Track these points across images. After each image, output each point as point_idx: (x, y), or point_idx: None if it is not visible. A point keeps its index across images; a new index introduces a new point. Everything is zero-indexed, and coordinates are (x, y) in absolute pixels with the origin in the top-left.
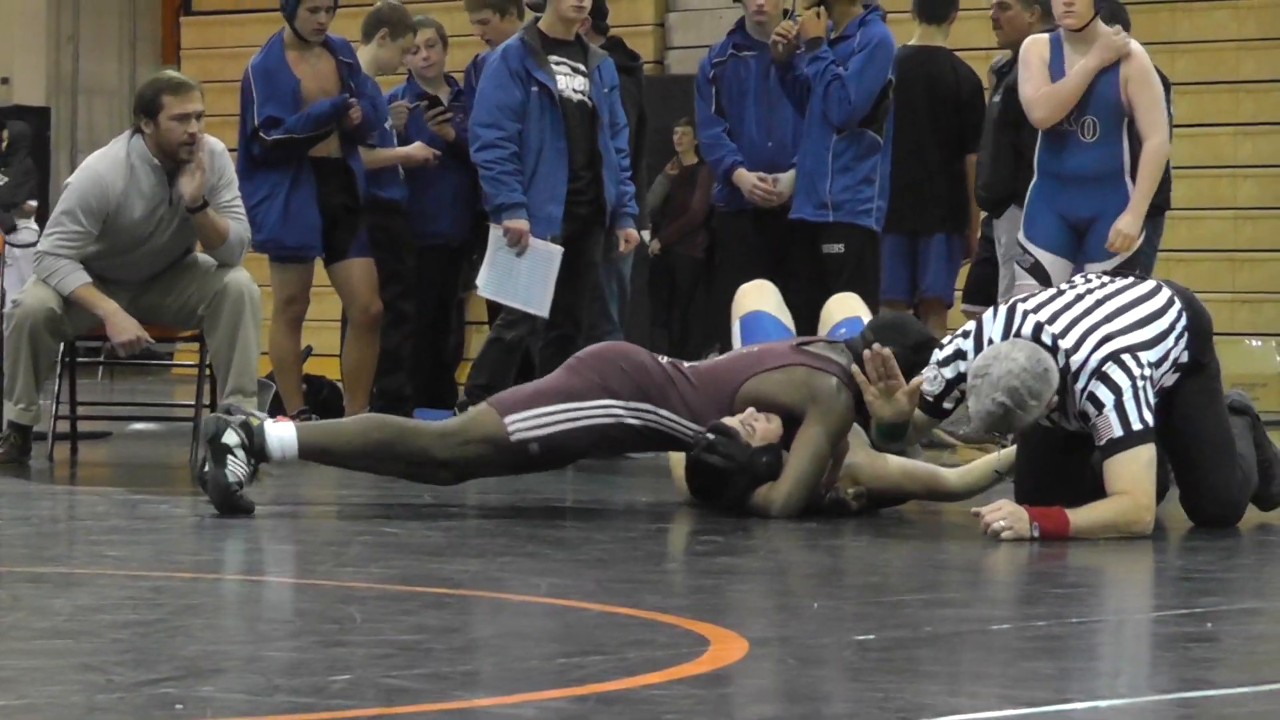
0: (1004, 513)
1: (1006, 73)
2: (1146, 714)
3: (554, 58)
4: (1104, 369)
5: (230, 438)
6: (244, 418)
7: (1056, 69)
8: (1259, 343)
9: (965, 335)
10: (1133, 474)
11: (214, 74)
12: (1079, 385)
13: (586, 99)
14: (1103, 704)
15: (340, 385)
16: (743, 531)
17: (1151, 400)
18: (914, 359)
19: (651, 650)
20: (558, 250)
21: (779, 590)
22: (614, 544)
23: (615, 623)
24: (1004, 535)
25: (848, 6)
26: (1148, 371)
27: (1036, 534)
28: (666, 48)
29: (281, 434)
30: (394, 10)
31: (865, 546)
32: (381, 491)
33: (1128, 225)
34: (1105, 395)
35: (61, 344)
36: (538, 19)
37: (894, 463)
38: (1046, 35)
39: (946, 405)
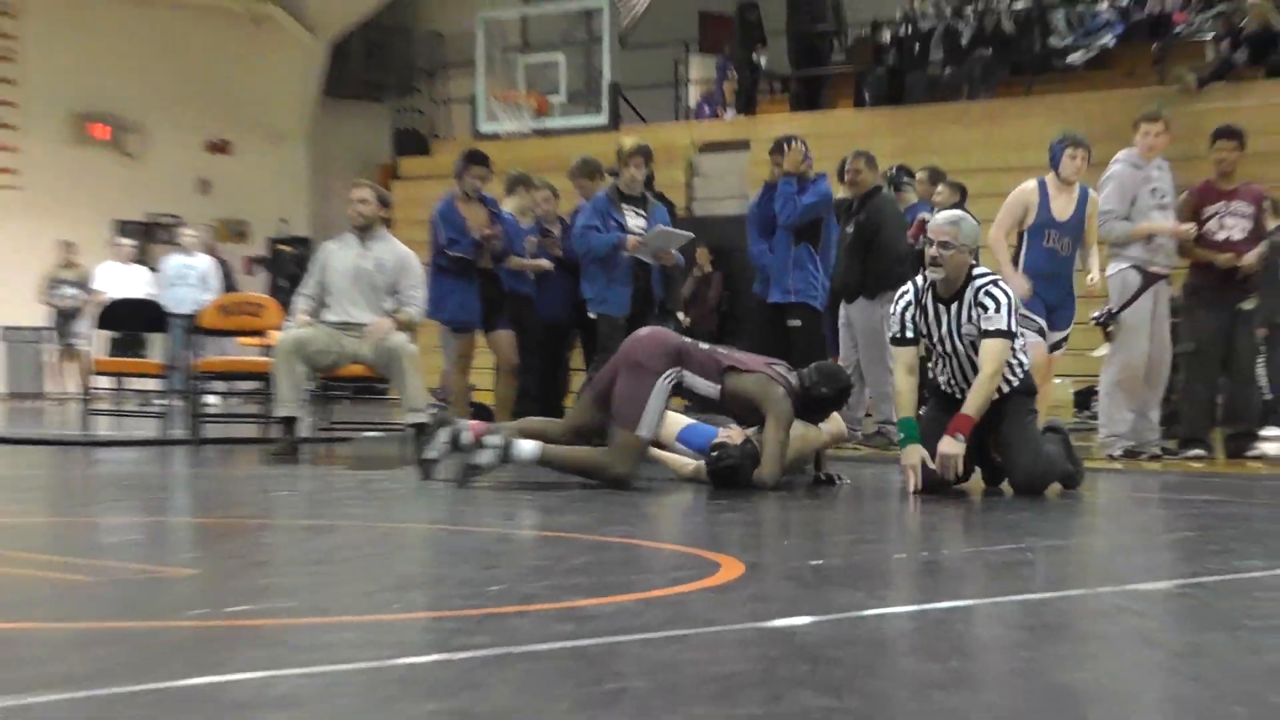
0: (942, 453)
1: (856, 212)
2: (991, 610)
3: (626, 206)
4: (979, 297)
5: (493, 439)
6: (506, 440)
7: (1044, 206)
8: (1059, 380)
9: (904, 292)
10: (998, 354)
11: (413, 216)
12: (969, 300)
13: (644, 233)
14: (962, 603)
15: (492, 409)
16: (742, 499)
17: (1016, 323)
18: (839, 399)
19: (683, 570)
20: (656, 214)
21: (765, 533)
22: (664, 508)
23: (662, 554)
24: (953, 457)
25: (808, 171)
26: (1012, 299)
27: (963, 440)
28: (691, 199)
29: (530, 448)
30: (524, 176)
31: (818, 506)
32: (538, 480)
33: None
34: (991, 303)
35: (308, 366)
36: (616, 181)
37: (822, 430)
38: (1035, 183)
39: (909, 335)
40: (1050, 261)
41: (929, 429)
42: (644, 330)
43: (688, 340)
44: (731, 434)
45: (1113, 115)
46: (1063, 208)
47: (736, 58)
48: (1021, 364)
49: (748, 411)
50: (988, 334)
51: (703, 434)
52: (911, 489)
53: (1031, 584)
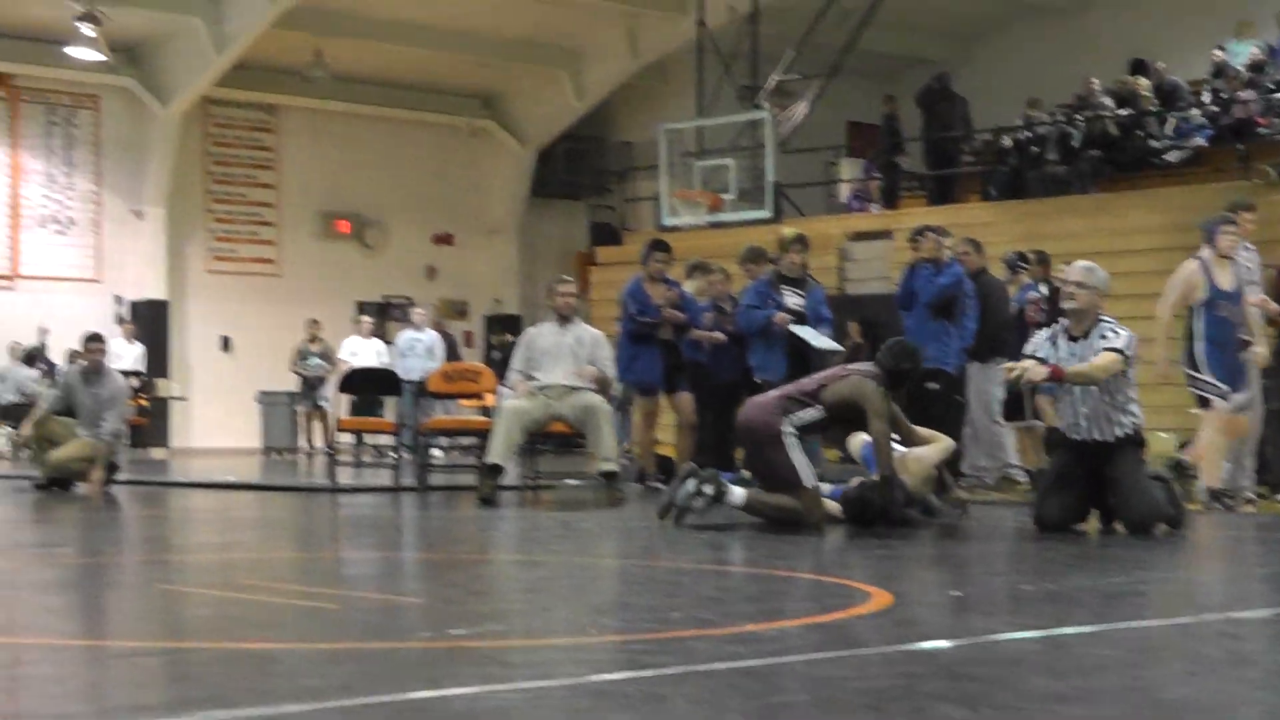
0: (1026, 367)
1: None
2: (1107, 634)
3: (786, 287)
4: (1104, 331)
5: (706, 488)
6: (718, 485)
7: (1209, 282)
8: (1166, 435)
9: (1044, 331)
10: (1109, 358)
11: (608, 296)
12: (1095, 336)
13: (802, 309)
14: (1082, 628)
15: (674, 460)
16: (887, 538)
17: (1131, 350)
18: (917, 368)
19: (838, 599)
20: (814, 293)
21: (909, 567)
22: (821, 546)
23: (820, 585)
24: (1036, 376)
25: (943, 255)
26: (1132, 337)
27: (1047, 372)
28: (843, 280)
29: (740, 493)
30: (701, 262)
31: (954, 543)
32: (714, 522)
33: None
34: (1113, 334)
35: (520, 428)
36: (778, 265)
37: (920, 453)
38: (1196, 262)
39: (1040, 355)
40: (1226, 329)
41: (1057, 480)
42: (748, 407)
43: (778, 393)
44: (852, 482)
45: (1203, 206)
46: (1225, 279)
47: (880, 160)
48: (1136, 415)
49: (852, 413)
50: (1106, 349)
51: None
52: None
53: (1142, 611)
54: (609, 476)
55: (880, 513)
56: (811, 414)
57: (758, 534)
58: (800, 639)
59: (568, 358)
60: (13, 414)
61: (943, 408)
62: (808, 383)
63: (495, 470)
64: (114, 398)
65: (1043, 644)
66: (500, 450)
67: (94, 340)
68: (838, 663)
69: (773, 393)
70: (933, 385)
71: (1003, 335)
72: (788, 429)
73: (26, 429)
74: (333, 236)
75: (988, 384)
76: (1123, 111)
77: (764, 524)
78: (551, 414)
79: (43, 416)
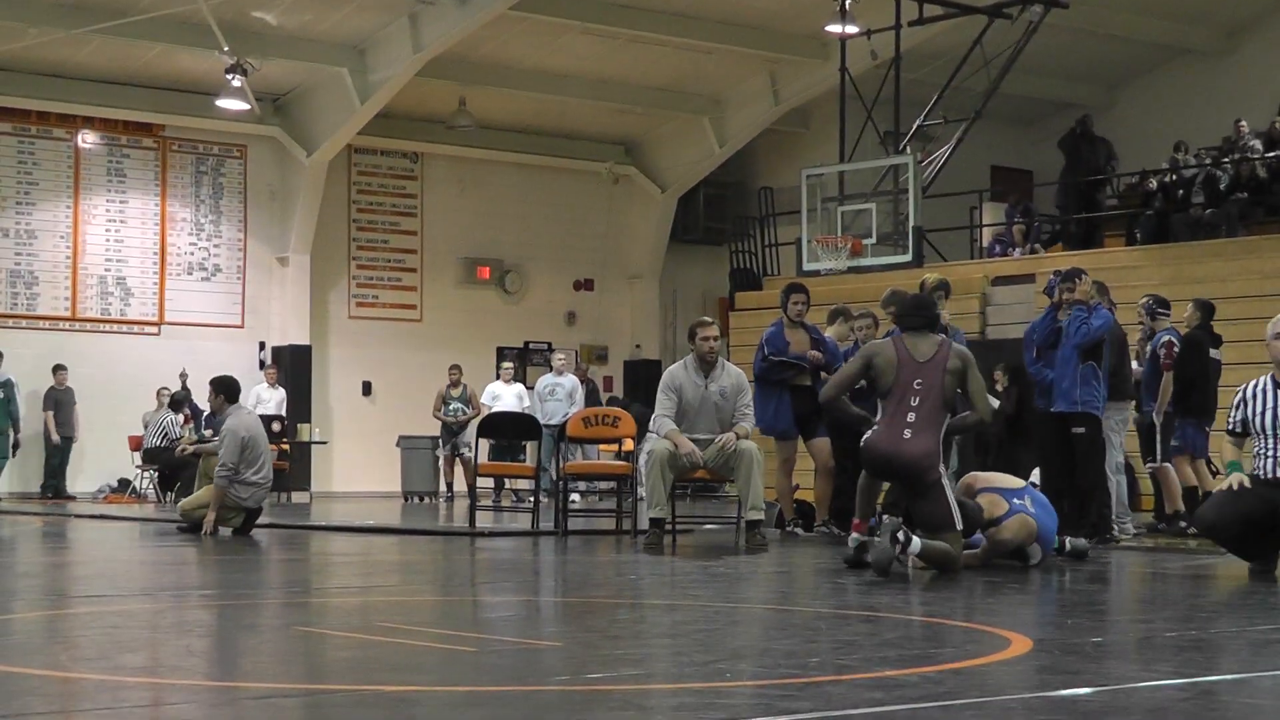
0: None
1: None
2: (1252, 683)
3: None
4: None
5: (900, 535)
6: (909, 536)
7: None
8: None
9: (1238, 394)
10: None
11: (746, 341)
12: None
13: None
14: (1226, 677)
15: (814, 505)
16: (1022, 585)
17: None
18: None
19: (978, 644)
20: (956, 336)
21: (1050, 612)
22: (961, 590)
23: (960, 631)
24: None
25: (1092, 300)
26: None
27: None
28: (985, 325)
29: (917, 542)
30: (844, 308)
31: (1090, 590)
32: (858, 568)
33: None
34: None
35: (673, 474)
36: None
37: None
38: None
39: (1237, 431)
40: None
41: (1236, 498)
42: (899, 446)
43: (914, 426)
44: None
45: None
46: None
47: (1062, 200)
48: None
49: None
50: None
51: None
52: (1235, 486)
53: None
54: (753, 525)
55: (974, 523)
56: (951, 416)
57: (896, 579)
58: (939, 685)
59: (711, 412)
60: (158, 457)
61: (1088, 451)
62: (922, 401)
63: (659, 523)
64: (221, 437)
65: (1186, 691)
66: (659, 499)
67: (211, 384)
68: (978, 709)
69: (909, 430)
70: (1078, 430)
71: (1114, 382)
72: (944, 474)
73: (191, 448)
74: (474, 283)
75: (1104, 430)
76: (1271, 154)
77: (902, 569)
78: (694, 462)
79: (205, 450)
